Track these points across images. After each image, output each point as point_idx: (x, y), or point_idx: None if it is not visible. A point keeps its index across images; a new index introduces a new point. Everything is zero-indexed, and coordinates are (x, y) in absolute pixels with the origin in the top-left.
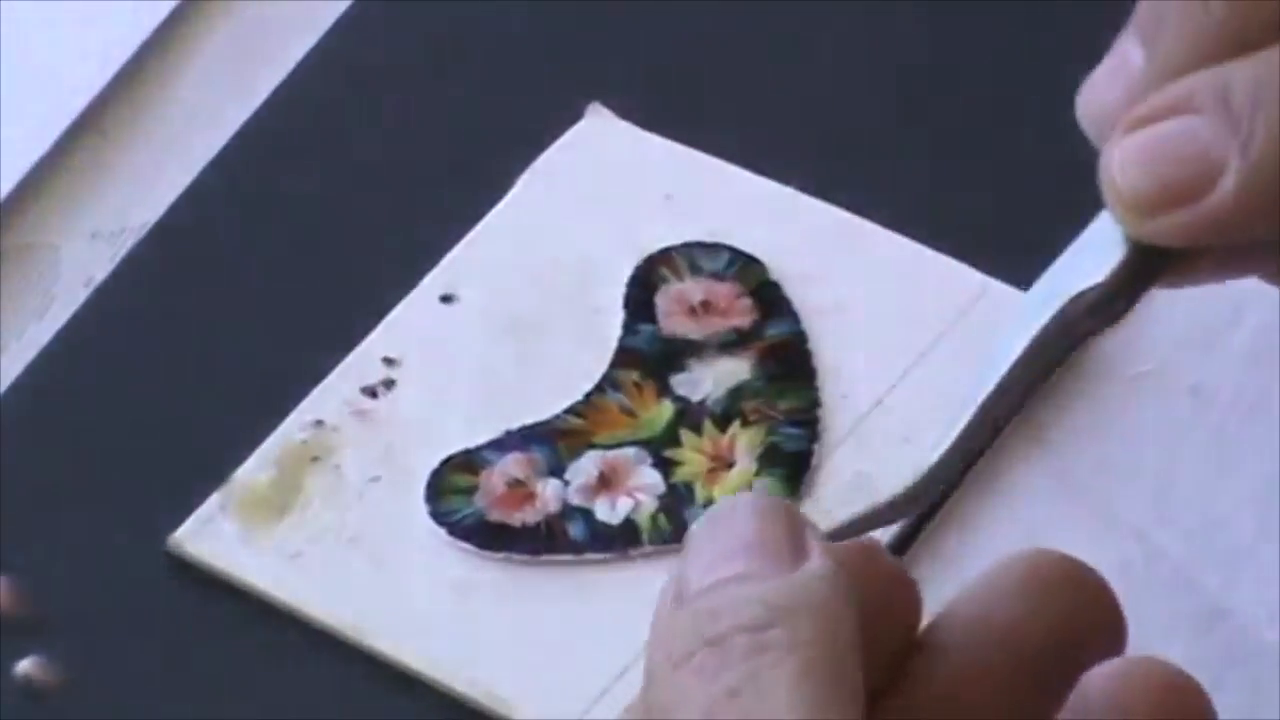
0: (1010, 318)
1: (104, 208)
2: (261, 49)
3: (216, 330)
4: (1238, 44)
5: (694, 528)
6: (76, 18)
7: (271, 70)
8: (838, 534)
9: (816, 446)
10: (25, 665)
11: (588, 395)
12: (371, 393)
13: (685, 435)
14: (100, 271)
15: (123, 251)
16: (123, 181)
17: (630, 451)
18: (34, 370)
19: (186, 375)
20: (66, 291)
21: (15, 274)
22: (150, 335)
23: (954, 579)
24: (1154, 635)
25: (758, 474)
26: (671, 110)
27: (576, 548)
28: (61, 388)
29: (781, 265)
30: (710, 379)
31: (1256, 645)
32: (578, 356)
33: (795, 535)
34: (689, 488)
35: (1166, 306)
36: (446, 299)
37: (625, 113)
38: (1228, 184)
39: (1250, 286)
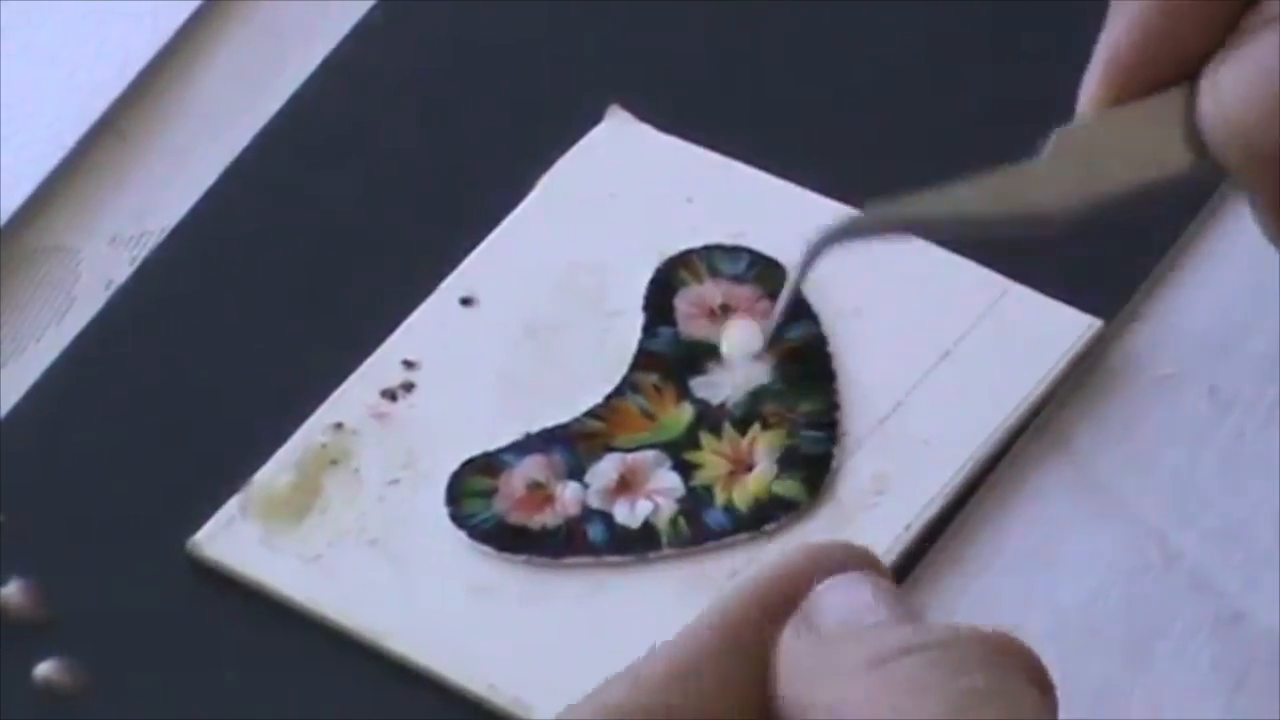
0: None
1: (123, 211)
2: (281, 52)
3: (235, 333)
4: None
5: (818, 588)
6: (95, 21)
7: (290, 74)
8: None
9: (836, 449)
10: (45, 668)
11: (607, 398)
12: (391, 395)
13: (705, 438)
14: (120, 274)
15: (142, 255)
16: (142, 185)
17: (650, 454)
18: (54, 373)
19: (205, 378)
20: (86, 294)
21: (35, 277)
22: (169, 338)
23: (973, 580)
24: (1173, 637)
25: (777, 477)
26: (691, 113)
27: (596, 550)
28: (81, 391)
29: None
30: (730, 382)
31: (1276, 647)
32: (597, 359)
33: (906, 603)
34: (708, 490)
35: (1187, 310)
36: (466, 302)
37: (645, 115)
38: None
39: (1270, 291)
